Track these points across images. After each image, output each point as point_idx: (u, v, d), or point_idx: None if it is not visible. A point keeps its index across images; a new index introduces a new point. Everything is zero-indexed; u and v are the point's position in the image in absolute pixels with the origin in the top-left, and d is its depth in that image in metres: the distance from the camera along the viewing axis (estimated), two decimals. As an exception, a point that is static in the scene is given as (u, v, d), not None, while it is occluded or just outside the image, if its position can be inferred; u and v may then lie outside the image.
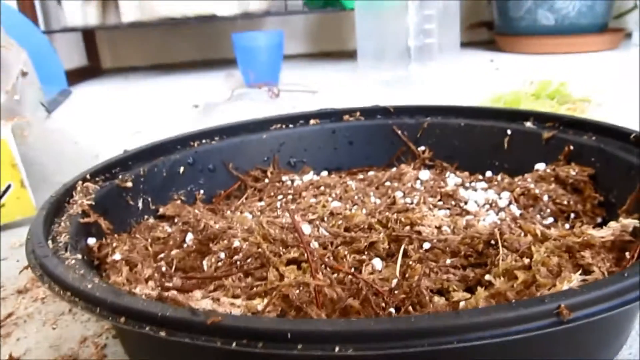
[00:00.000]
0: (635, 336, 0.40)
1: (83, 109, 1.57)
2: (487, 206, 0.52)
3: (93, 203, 0.49)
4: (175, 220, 0.56)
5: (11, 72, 0.77)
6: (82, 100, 1.71)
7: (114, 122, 1.39)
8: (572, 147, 0.56)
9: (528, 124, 0.62)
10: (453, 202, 0.53)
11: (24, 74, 0.77)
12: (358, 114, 0.70)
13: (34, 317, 0.51)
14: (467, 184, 0.58)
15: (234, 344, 0.26)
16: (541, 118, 0.61)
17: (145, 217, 0.56)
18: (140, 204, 0.56)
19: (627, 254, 0.38)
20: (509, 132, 0.62)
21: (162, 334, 0.27)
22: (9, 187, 0.71)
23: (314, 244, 0.42)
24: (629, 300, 0.27)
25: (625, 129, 0.53)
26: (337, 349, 0.25)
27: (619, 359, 0.39)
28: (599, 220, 0.51)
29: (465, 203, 0.53)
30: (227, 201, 0.63)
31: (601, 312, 0.27)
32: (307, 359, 0.27)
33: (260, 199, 0.60)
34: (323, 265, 0.37)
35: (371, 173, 0.64)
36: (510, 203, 0.53)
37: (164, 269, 0.43)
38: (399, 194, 0.54)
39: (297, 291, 0.34)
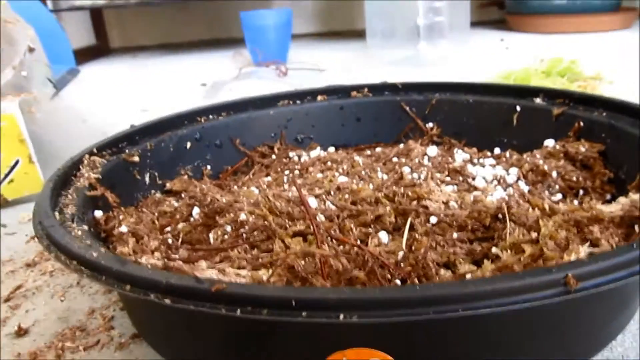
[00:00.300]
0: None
1: (91, 88, 1.57)
2: (495, 182, 0.52)
3: (100, 176, 0.49)
4: (182, 195, 0.56)
5: (18, 48, 0.76)
6: (91, 79, 1.71)
7: (123, 100, 1.39)
8: (582, 124, 0.55)
9: (538, 101, 0.61)
10: (461, 178, 0.52)
11: (31, 50, 0.77)
12: (366, 90, 0.70)
13: (43, 289, 0.52)
14: (475, 160, 0.57)
15: (239, 311, 0.26)
16: (551, 94, 0.61)
17: (152, 191, 0.56)
18: (147, 179, 0.56)
19: (636, 227, 0.38)
20: (518, 108, 0.61)
21: (167, 301, 0.27)
22: (17, 162, 0.71)
23: (320, 217, 0.42)
24: (637, 271, 0.27)
25: (637, 105, 0.53)
26: (341, 316, 0.25)
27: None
28: (608, 197, 0.51)
29: (473, 179, 0.52)
30: (234, 177, 0.63)
31: (609, 282, 0.26)
32: (311, 327, 0.27)
33: (267, 175, 0.60)
34: (329, 238, 0.37)
35: (378, 149, 0.64)
36: (518, 179, 0.52)
37: (170, 241, 0.43)
38: (406, 170, 0.53)
39: (303, 262, 0.34)
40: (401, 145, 0.63)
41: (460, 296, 0.25)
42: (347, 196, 0.46)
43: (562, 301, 0.26)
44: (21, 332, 0.45)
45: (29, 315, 0.48)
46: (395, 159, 0.58)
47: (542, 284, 0.26)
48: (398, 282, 0.35)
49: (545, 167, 0.52)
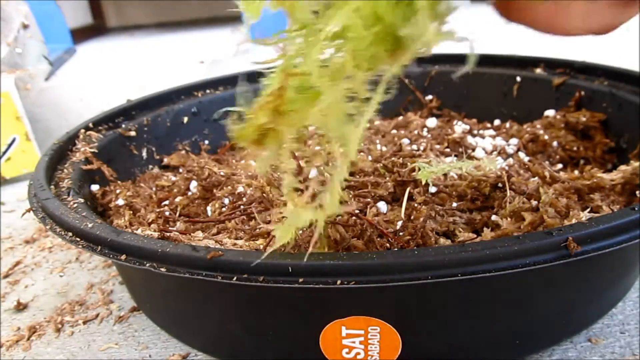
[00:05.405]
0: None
1: (88, 67, 1.55)
2: (495, 153, 0.51)
3: (96, 151, 0.48)
4: (180, 169, 0.55)
5: (12, 25, 0.75)
6: (87, 58, 1.69)
7: (120, 79, 1.38)
8: (583, 93, 0.55)
9: (538, 71, 0.60)
10: (460, 149, 0.52)
11: (25, 26, 0.76)
12: (364, 63, 0.69)
13: (42, 265, 0.52)
14: (475, 132, 0.56)
15: (235, 278, 0.25)
16: (552, 64, 0.60)
17: (150, 166, 0.55)
18: (144, 154, 0.55)
19: (638, 193, 0.38)
20: (518, 79, 0.61)
21: (163, 270, 0.27)
22: (14, 140, 0.71)
23: (319, 188, 0.41)
24: (638, 234, 0.27)
25: (638, 73, 0.52)
26: (339, 281, 0.24)
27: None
28: (610, 166, 0.50)
29: (473, 150, 0.52)
30: (232, 152, 0.62)
31: (610, 245, 0.26)
32: (308, 292, 0.27)
33: (266, 149, 0.59)
34: (327, 208, 0.37)
35: (377, 122, 0.63)
36: (518, 150, 0.52)
37: (167, 214, 0.43)
38: (405, 142, 0.53)
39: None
40: (400, 118, 0.62)
41: (459, 260, 0.24)
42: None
43: (562, 265, 0.26)
44: (20, 307, 0.45)
45: (28, 290, 0.48)
46: (394, 131, 0.57)
47: (542, 247, 0.25)
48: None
49: (546, 137, 0.52)
